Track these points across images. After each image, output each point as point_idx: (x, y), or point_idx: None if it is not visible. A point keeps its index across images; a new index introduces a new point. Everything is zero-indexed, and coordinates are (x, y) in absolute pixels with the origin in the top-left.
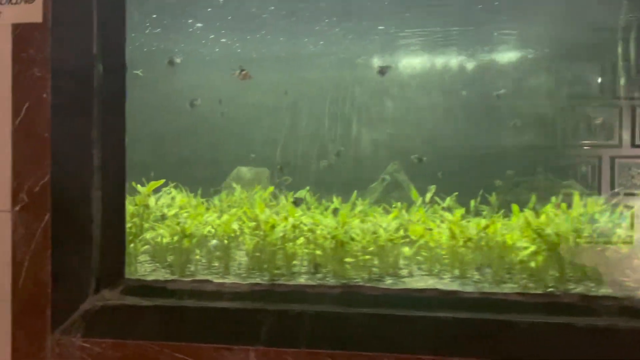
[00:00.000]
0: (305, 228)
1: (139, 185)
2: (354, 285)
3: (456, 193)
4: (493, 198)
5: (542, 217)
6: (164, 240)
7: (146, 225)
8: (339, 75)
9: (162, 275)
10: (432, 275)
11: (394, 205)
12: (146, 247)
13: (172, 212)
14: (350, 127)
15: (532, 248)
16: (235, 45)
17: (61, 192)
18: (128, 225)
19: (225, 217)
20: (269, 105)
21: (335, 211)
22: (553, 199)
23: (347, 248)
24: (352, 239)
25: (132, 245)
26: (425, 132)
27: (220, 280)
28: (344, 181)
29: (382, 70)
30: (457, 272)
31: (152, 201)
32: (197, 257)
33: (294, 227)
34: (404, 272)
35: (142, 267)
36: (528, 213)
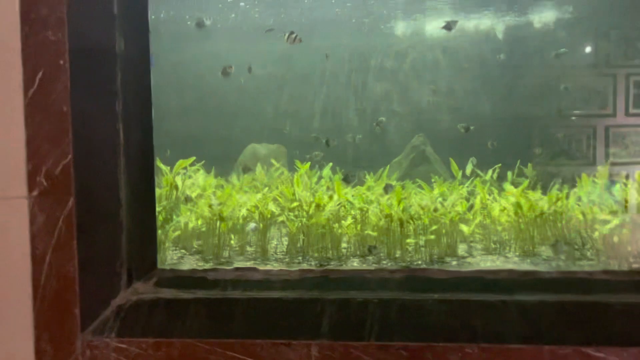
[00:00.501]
0: (358, 207)
1: (162, 164)
2: (417, 269)
3: (499, 165)
4: (529, 169)
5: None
6: (191, 225)
7: (180, 208)
8: (363, 43)
9: (191, 263)
10: (496, 254)
11: (433, 180)
12: (177, 233)
13: (196, 193)
14: (377, 99)
15: (616, 221)
16: (255, 10)
17: (86, 173)
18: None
19: (256, 197)
20: (287, 74)
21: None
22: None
23: (405, 228)
24: (413, 218)
25: (159, 231)
26: (452, 102)
27: (267, 268)
28: (370, 156)
29: (448, 26)
30: (523, 249)
31: (179, 181)
32: (232, 242)
33: (343, 206)
34: (462, 251)
35: (167, 254)
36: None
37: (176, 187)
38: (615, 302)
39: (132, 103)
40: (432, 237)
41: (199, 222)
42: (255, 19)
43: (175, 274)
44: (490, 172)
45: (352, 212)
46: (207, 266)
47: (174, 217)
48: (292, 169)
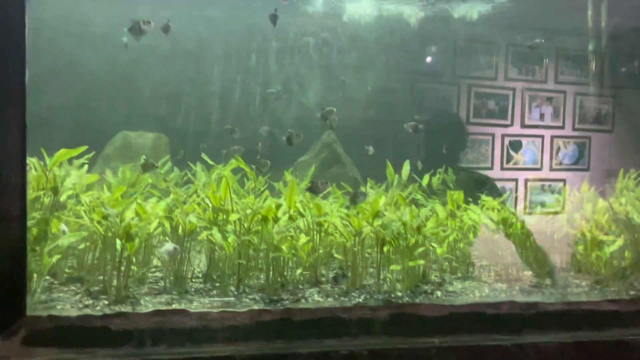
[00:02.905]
0: (327, 223)
1: (34, 159)
2: (403, 305)
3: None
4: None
5: None
6: (81, 246)
7: (54, 223)
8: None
9: (75, 302)
10: (471, 279)
11: (369, 186)
12: (57, 258)
13: (64, 197)
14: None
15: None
16: None
17: None
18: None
19: (163, 204)
20: (171, 48)
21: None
22: None
23: (385, 249)
24: (399, 235)
25: (30, 256)
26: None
27: (201, 309)
28: (270, 152)
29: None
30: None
31: (66, 181)
32: (135, 268)
33: (292, 219)
34: (435, 276)
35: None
36: None
37: (55, 190)
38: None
39: None
40: (421, 262)
41: (98, 242)
42: None
43: (58, 324)
44: (426, 177)
45: (302, 226)
46: (105, 308)
47: (50, 236)
48: (183, 166)
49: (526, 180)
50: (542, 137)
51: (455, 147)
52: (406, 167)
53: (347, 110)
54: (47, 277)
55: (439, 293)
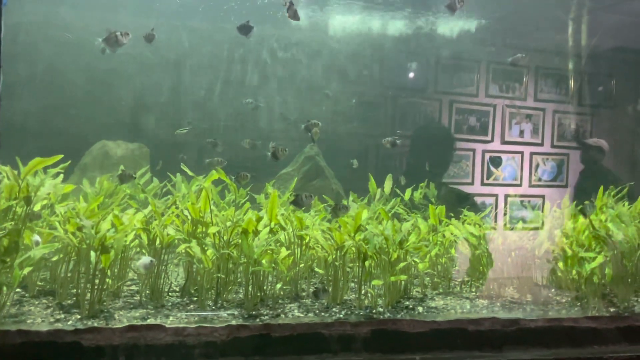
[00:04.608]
0: (308, 237)
1: (7, 168)
2: (385, 321)
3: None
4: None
5: None
6: (54, 258)
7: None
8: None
9: (46, 316)
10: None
11: (352, 200)
12: (28, 270)
13: (38, 207)
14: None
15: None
16: None
17: None
18: None
19: (140, 215)
20: (153, 57)
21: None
22: None
23: (367, 263)
24: (381, 249)
25: (4, 269)
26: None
27: (177, 324)
28: (252, 165)
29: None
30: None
31: (40, 190)
32: (110, 281)
33: (273, 232)
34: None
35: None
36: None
37: (28, 200)
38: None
39: None
40: (404, 277)
41: (54, 248)
42: None
43: (27, 338)
44: (408, 191)
45: (283, 240)
46: (77, 323)
47: (22, 246)
48: (163, 176)
49: (506, 197)
50: (522, 153)
51: (441, 161)
52: (389, 181)
53: (330, 124)
54: (18, 290)
55: (420, 309)
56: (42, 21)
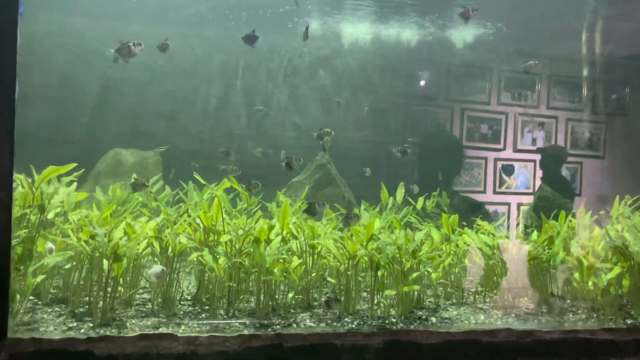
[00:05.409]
0: (320, 246)
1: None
2: (398, 331)
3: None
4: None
5: None
6: (67, 266)
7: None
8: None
9: (59, 324)
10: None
11: (364, 208)
12: (41, 278)
13: (52, 214)
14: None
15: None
16: None
17: None
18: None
19: (152, 223)
20: (167, 66)
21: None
22: None
23: (379, 273)
24: (394, 259)
25: (14, 275)
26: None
27: (189, 333)
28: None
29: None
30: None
31: (54, 198)
32: (123, 289)
33: (284, 240)
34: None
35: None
36: None
37: (42, 208)
38: None
39: None
40: (417, 287)
41: (67, 256)
42: None
43: (40, 347)
44: (421, 199)
45: (295, 248)
46: (90, 331)
47: (36, 255)
48: (175, 184)
49: (519, 205)
50: (535, 161)
51: (451, 169)
52: (401, 190)
53: (342, 132)
54: (31, 298)
55: (433, 319)
56: (57, 31)
